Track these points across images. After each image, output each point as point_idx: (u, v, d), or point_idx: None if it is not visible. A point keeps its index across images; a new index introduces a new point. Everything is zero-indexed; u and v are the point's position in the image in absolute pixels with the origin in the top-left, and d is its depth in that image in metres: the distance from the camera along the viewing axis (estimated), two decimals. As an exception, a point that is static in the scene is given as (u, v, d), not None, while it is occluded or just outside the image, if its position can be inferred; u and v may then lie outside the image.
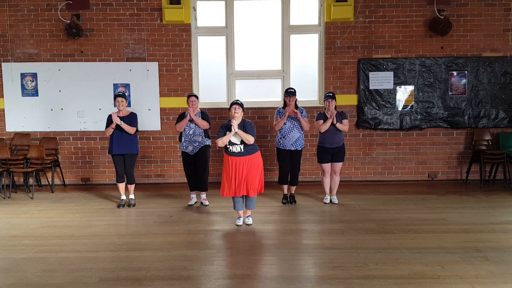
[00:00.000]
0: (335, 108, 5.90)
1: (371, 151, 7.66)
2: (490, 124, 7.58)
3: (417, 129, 7.63)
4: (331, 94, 5.89)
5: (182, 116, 5.96)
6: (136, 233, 4.74)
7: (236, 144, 4.79)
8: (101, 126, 7.53)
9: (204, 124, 5.84)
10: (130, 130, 5.82)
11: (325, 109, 5.94)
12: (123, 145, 5.88)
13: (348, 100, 7.49)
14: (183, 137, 5.92)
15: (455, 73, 7.53)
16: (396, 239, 4.39)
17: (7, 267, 3.76)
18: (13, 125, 7.58)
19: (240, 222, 4.97)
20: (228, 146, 4.82)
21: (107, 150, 7.55)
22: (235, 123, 4.72)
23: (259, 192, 4.93)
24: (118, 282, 3.40)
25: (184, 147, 5.92)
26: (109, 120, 5.87)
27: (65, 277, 3.51)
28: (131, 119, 5.92)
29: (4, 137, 7.52)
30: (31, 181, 7.27)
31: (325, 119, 5.86)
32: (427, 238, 4.43)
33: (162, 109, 7.57)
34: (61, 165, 7.62)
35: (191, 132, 5.86)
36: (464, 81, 7.53)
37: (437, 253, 3.97)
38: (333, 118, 5.75)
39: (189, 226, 5.02)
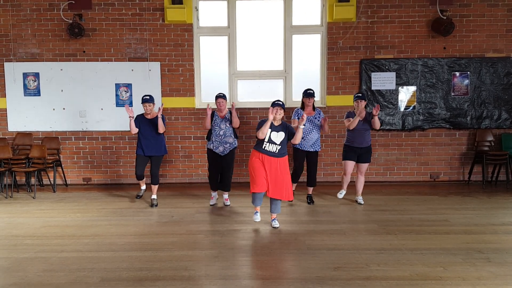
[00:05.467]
0: (366, 108, 5.89)
1: (373, 151, 7.60)
2: (493, 125, 7.56)
3: (419, 129, 7.61)
4: (360, 95, 5.84)
5: (212, 116, 5.92)
6: (138, 233, 4.74)
7: (275, 144, 4.77)
8: (103, 126, 7.58)
9: (237, 121, 5.85)
10: (161, 128, 5.88)
11: (354, 109, 5.92)
12: (151, 146, 5.93)
13: (350, 100, 7.43)
14: (213, 137, 5.86)
15: (457, 73, 7.51)
16: (398, 240, 4.38)
17: (9, 267, 3.76)
18: (15, 125, 7.60)
19: (258, 218, 4.91)
20: (265, 143, 4.79)
21: (109, 150, 7.60)
22: (302, 122, 4.77)
23: (289, 200, 4.91)
24: (120, 282, 3.40)
25: (214, 147, 5.88)
26: (137, 118, 5.99)
27: (67, 277, 3.52)
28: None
29: (6, 137, 7.54)
30: (33, 180, 7.28)
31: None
32: (429, 239, 4.42)
33: (164, 109, 7.56)
34: (63, 165, 7.63)
35: (221, 133, 5.82)
36: (466, 81, 7.51)
37: (439, 254, 3.96)
38: (362, 115, 5.76)
39: (191, 226, 5.01)
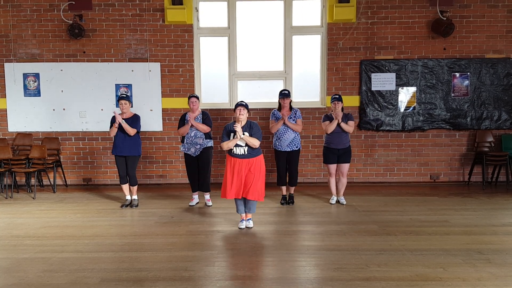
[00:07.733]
0: (342, 110, 5.93)
1: (373, 152, 7.64)
2: (493, 125, 7.56)
3: (419, 130, 7.61)
4: (337, 96, 5.92)
5: (183, 119, 5.97)
6: (138, 234, 4.73)
7: (240, 146, 4.73)
8: (103, 127, 7.57)
9: (205, 128, 5.84)
10: (130, 131, 5.79)
11: (331, 111, 5.95)
12: (125, 146, 5.89)
13: (350, 101, 7.48)
14: (185, 139, 5.92)
15: (457, 74, 7.51)
16: (398, 241, 4.38)
17: (9, 267, 3.76)
18: (15, 125, 7.60)
19: (243, 225, 4.93)
20: (231, 148, 4.79)
21: (109, 150, 7.59)
22: (239, 129, 4.65)
23: (258, 200, 4.85)
24: (120, 283, 3.40)
25: (186, 149, 5.93)
26: (113, 120, 5.89)
27: (67, 278, 3.51)
28: (133, 121, 5.91)
29: (6, 137, 7.54)
30: (33, 181, 7.28)
31: (331, 120, 5.89)
32: (429, 240, 4.42)
33: (164, 110, 7.58)
34: (63, 165, 7.62)
35: (192, 134, 5.86)
36: (466, 82, 7.51)
37: (439, 255, 3.96)
38: (338, 119, 5.81)
39: (191, 227, 5.01)
